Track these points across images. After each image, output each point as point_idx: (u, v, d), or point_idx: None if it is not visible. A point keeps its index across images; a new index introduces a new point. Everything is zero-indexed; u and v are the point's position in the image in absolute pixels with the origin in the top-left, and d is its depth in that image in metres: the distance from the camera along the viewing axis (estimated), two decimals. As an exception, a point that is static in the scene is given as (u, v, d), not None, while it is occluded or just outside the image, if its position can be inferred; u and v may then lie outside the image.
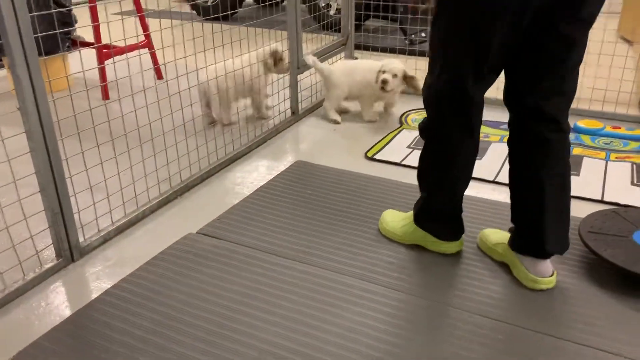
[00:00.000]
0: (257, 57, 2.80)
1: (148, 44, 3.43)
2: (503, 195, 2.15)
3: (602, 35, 2.94)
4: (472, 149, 1.63)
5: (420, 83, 2.79)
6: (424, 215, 1.77)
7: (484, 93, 1.56)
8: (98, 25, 3.04)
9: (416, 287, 1.63)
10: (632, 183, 2.23)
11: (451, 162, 1.64)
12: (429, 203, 1.75)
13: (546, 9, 1.36)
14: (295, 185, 2.25)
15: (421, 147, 2.65)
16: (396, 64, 2.80)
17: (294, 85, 2.93)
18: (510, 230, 1.70)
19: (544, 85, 1.48)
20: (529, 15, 1.37)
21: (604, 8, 1.43)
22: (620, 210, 1.85)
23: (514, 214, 1.64)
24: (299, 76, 2.95)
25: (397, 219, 1.88)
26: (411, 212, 1.83)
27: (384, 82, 2.73)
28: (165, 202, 2.12)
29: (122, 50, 3.07)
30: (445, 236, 1.77)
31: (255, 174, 2.38)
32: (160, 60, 3.40)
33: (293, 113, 2.98)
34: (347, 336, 1.44)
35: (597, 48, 2.92)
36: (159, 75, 3.53)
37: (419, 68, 3.42)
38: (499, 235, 1.75)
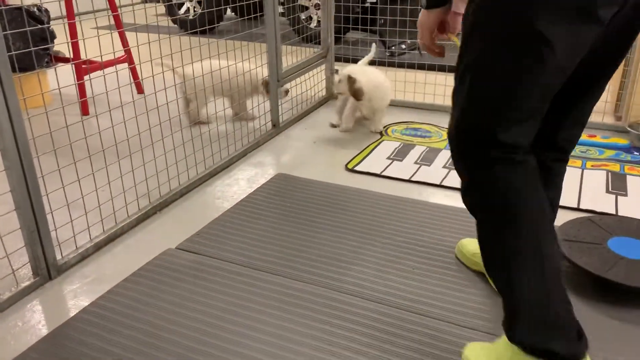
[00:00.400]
0: (250, 74, 2.94)
1: (127, 59, 3.43)
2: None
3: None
4: (540, 201, 1.19)
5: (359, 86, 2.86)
6: (523, 329, 1.19)
7: (531, 134, 1.21)
8: (77, 41, 3.03)
9: (399, 299, 1.64)
10: (607, 191, 2.27)
11: (518, 229, 1.17)
12: (520, 302, 1.19)
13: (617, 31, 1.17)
14: (276, 198, 2.25)
15: (401, 158, 2.64)
16: (345, 69, 2.87)
17: (274, 98, 2.95)
18: None
19: (570, 115, 1.30)
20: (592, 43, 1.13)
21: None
22: (595, 217, 1.88)
23: None
24: (279, 89, 2.96)
25: (482, 354, 1.36)
26: (498, 343, 1.31)
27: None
28: (144, 217, 2.11)
29: (99, 66, 3.06)
30: (566, 348, 1.17)
31: (235, 188, 2.38)
32: (141, 74, 3.39)
33: (274, 126, 2.99)
34: (329, 350, 1.44)
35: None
36: (139, 89, 3.53)
37: (399, 79, 3.46)
38: (476, 245, 1.76)
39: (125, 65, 3.42)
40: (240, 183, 2.42)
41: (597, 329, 1.50)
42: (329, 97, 3.55)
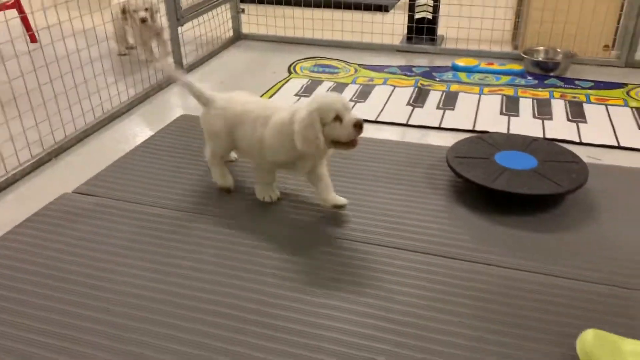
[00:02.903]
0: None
1: (15, 5, 3.18)
2: (384, 133, 2.23)
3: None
4: None
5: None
6: None
7: None
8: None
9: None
10: (501, 113, 2.38)
11: None
12: None
13: None
14: (179, 138, 2.20)
15: (309, 94, 2.64)
16: None
17: (175, 39, 2.84)
18: None
19: None
20: None
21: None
22: (485, 135, 1.97)
23: None
24: (180, 28, 2.85)
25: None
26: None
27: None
28: (38, 164, 2.01)
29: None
30: None
31: (137, 130, 2.30)
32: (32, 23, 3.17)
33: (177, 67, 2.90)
34: (217, 281, 1.46)
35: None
36: (32, 38, 3.30)
37: (306, 17, 3.41)
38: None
39: (14, 12, 3.17)
40: (142, 126, 2.35)
41: (488, 236, 1.59)
42: (237, 37, 3.46)
